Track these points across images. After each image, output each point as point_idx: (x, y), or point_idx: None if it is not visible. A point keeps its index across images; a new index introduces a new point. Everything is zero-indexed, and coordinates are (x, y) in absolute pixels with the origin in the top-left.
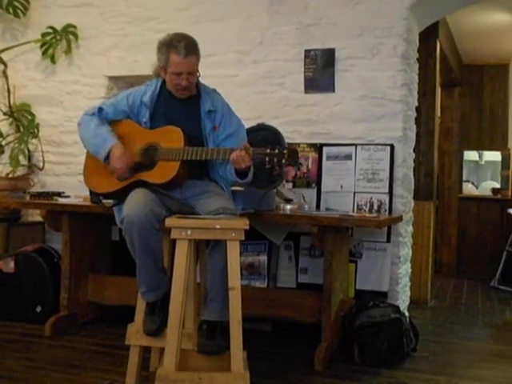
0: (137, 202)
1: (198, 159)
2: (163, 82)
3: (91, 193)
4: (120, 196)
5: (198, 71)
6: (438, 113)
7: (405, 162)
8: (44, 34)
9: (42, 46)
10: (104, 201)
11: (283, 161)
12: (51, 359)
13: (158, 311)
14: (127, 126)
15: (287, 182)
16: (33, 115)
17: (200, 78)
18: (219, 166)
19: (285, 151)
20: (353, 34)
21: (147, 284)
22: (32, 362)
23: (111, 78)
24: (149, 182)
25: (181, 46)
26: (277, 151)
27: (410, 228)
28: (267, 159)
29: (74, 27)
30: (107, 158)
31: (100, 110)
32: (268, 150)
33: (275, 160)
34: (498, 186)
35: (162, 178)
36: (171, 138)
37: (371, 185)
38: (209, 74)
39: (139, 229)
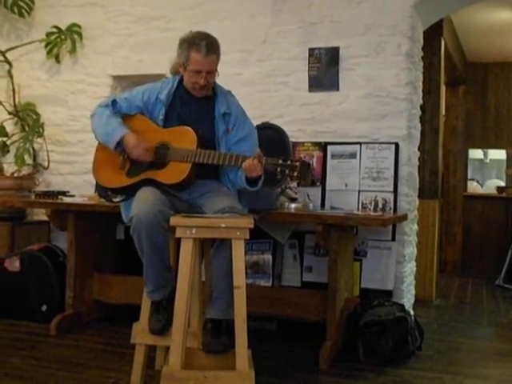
0: (146, 202)
1: (209, 163)
2: (180, 81)
3: (98, 186)
4: (129, 192)
5: (216, 71)
6: (443, 111)
7: (409, 161)
8: (49, 34)
9: (46, 46)
10: (112, 197)
11: (295, 173)
12: (56, 358)
13: (164, 310)
14: (140, 121)
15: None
16: (38, 114)
17: None
18: (230, 171)
19: (297, 164)
20: (357, 32)
21: (154, 283)
22: (37, 360)
23: (116, 78)
24: (159, 181)
25: (202, 45)
26: (289, 163)
27: (415, 226)
28: (279, 170)
29: (79, 27)
30: (117, 146)
31: (114, 102)
32: (280, 161)
33: (286, 172)
34: (503, 184)
35: (173, 179)
36: (184, 138)
37: (376, 183)
38: None
39: (147, 228)
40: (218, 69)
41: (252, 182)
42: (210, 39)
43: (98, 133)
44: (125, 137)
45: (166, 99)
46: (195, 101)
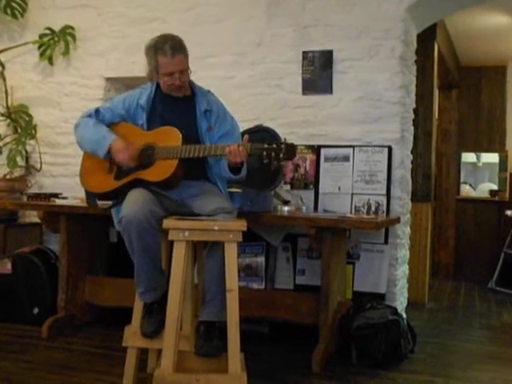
0: (135, 202)
1: (195, 156)
2: (158, 85)
3: (87, 194)
4: (117, 196)
5: (188, 69)
6: (436, 114)
7: (402, 164)
8: (42, 36)
9: (39, 48)
10: (100, 202)
11: (281, 155)
12: (48, 361)
13: (156, 313)
14: (124, 128)
15: (285, 183)
16: (30, 116)
17: (198, 79)
18: (214, 165)
19: (282, 145)
20: (350, 35)
21: (145, 285)
22: (29, 363)
23: (109, 80)
24: (146, 180)
25: (167, 47)
26: (274, 145)
27: (408, 230)
28: (265, 153)
29: (72, 28)
30: (107, 154)
31: (97, 111)
32: (266, 145)
33: (273, 154)
34: (495, 187)
35: (160, 176)
36: (169, 137)
37: (369, 186)
38: (206, 76)
39: (137, 229)
40: (215, 71)
41: (236, 170)
42: (174, 40)
43: (85, 142)
44: (112, 143)
45: (147, 104)
46: (175, 101)
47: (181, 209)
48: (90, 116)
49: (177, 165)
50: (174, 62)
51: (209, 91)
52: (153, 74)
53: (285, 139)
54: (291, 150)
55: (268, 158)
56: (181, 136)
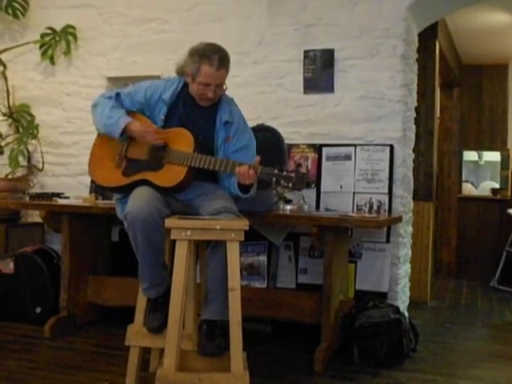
0: (141, 198)
1: (205, 168)
2: (185, 83)
3: (94, 183)
4: (124, 192)
5: (225, 84)
6: (438, 113)
7: (404, 163)
8: (43, 35)
9: (41, 47)
10: (101, 202)
11: (290, 184)
12: (51, 360)
13: (161, 308)
14: (139, 120)
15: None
16: (32, 116)
17: None
18: (225, 178)
19: (292, 175)
20: (352, 34)
21: (149, 280)
22: (31, 362)
23: (111, 79)
24: (154, 183)
25: (215, 58)
26: (284, 173)
27: (410, 228)
28: (274, 180)
29: (74, 28)
30: (123, 133)
31: (117, 95)
32: (276, 171)
33: (282, 182)
34: (497, 186)
35: (168, 182)
36: (181, 141)
37: (371, 185)
38: None
39: (143, 224)
40: None
41: (244, 189)
42: (222, 53)
43: (101, 121)
44: (128, 124)
45: (169, 99)
46: (198, 107)
47: (187, 210)
48: (110, 98)
49: (186, 172)
50: (216, 75)
51: (232, 99)
52: (187, 76)
53: (297, 165)
54: (301, 180)
55: (277, 185)
56: (193, 141)
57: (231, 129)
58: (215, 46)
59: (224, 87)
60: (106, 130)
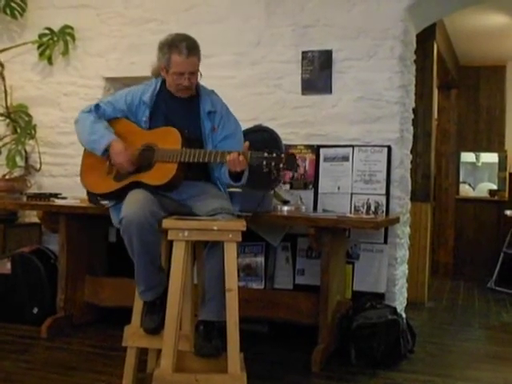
0: (135, 203)
1: (195, 161)
2: (163, 82)
3: (88, 192)
4: (117, 197)
5: (199, 71)
6: (435, 114)
7: (402, 164)
8: (41, 35)
9: (39, 47)
10: (102, 202)
11: (281, 165)
12: (48, 361)
13: (158, 310)
14: (124, 125)
15: (284, 183)
16: (30, 116)
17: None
18: (215, 168)
19: (282, 156)
20: (350, 35)
21: (146, 283)
22: (28, 363)
23: (108, 80)
24: (146, 183)
25: (183, 46)
26: (274, 155)
27: (407, 229)
28: (265, 163)
29: (71, 28)
30: (105, 152)
31: (97, 106)
32: (266, 154)
33: (273, 164)
34: (494, 187)
35: (160, 180)
36: (169, 139)
37: (368, 186)
38: (206, 76)
39: (138, 229)
40: (214, 70)
41: (236, 177)
42: (190, 40)
43: (84, 140)
44: (111, 143)
45: (150, 100)
46: (180, 101)
47: (181, 209)
48: (89, 111)
49: (176, 169)
50: (187, 63)
51: (213, 91)
52: (161, 70)
53: (285, 147)
54: (291, 160)
55: (268, 168)
56: (180, 138)
57: (215, 118)
58: (183, 35)
59: (199, 75)
60: (89, 147)
